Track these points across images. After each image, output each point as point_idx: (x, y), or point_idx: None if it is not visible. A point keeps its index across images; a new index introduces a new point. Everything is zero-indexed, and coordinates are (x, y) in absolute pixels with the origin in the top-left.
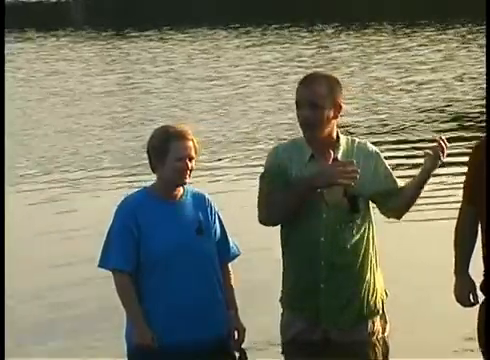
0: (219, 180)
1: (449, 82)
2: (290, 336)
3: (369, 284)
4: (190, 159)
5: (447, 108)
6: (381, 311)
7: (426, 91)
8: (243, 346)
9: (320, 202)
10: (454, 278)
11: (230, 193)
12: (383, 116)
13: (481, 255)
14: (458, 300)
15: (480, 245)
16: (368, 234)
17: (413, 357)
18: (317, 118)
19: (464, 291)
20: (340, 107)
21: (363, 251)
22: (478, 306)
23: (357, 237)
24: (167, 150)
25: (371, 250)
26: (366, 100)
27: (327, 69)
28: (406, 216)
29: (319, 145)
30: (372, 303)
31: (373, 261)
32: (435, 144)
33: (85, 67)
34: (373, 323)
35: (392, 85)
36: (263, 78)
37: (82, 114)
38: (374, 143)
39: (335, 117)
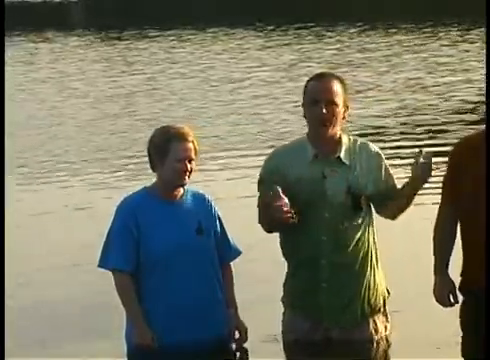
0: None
1: (477, 83)
2: (293, 338)
3: (370, 282)
4: (190, 161)
5: (479, 109)
6: (382, 309)
7: (455, 92)
8: (244, 345)
9: (323, 202)
10: (433, 278)
11: None
12: (415, 118)
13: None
14: (438, 300)
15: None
16: (369, 233)
17: (412, 356)
18: (333, 115)
19: (444, 291)
20: (348, 108)
21: (364, 250)
22: (459, 306)
23: (359, 236)
24: (167, 150)
25: (372, 248)
26: (396, 101)
27: (352, 69)
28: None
29: (323, 144)
30: (373, 301)
31: (374, 259)
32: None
33: (107, 67)
34: (375, 322)
35: (423, 86)
36: (288, 79)
37: (106, 116)
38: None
39: (344, 117)
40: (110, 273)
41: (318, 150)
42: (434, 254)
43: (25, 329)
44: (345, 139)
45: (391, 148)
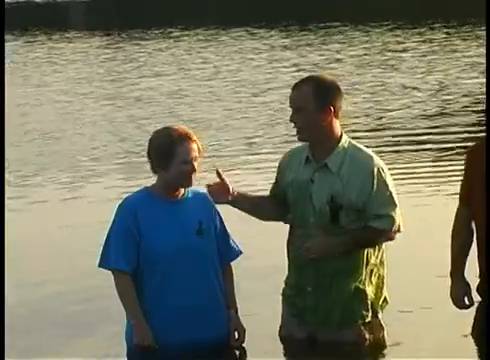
0: None
1: None
2: (284, 333)
3: (357, 291)
4: (195, 160)
5: None
6: (371, 318)
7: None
8: (243, 345)
9: (309, 206)
10: (450, 280)
11: None
12: (457, 120)
13: (476, 256)
14: (454, 302)
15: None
16: None
17: (412, 356)
18: (301, 121)
19: (460, 293)
20: (332, 110)
21: (351, 258)
22: (475, 306)
23: None
24: (173, 154)
25: (362, 258)
26: (429, 103)
27: (384, 70)
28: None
29: (315, 148)
30: (359, 309)
31: (365, 268)
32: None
33: (131, 68)
34: (359, 328)
35: (456, 87)
36: None
37: (137, 119)
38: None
39: (325, 120)
40: (110, 272)
41: (311, 153)
42: (451, 256)
43: (25, 329)
44: (342, 145)
45: (423, 151)
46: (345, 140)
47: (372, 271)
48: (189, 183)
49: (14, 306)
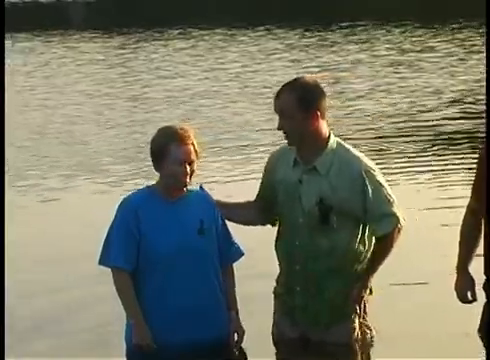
0: None
1: None
2: (276, 332)
3: (347, 290)
4: (190, 163)
5: None
6: (361, 316)
7: None
8: (242, 346)
9: (298, 207)
10: (455, 274)
11: None
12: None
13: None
14: (457, 296)
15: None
16: (348, 243)
17: (405, 356)
18: (286, 127)
19: (464, 288)
20: (318, 114)
21: (340, 258)
22: (482, 306)
23: (331, 245)
24: (166, 153)
25: (351, 257)
26: (465, 105)
27: (408, 71)
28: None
29: (303, 150)
30: (349, 309)
31: (355, 267)
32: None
33: (152, 69)
34: (350, 326)
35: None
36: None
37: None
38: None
39: (313, 125)
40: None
41: (298, 155)
42: (459, 250)
43: (25, 329)
44: (330, 147)
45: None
46: (333, 140)
47: (361, 269)
48: (182, 184)
49: (14, 306)
